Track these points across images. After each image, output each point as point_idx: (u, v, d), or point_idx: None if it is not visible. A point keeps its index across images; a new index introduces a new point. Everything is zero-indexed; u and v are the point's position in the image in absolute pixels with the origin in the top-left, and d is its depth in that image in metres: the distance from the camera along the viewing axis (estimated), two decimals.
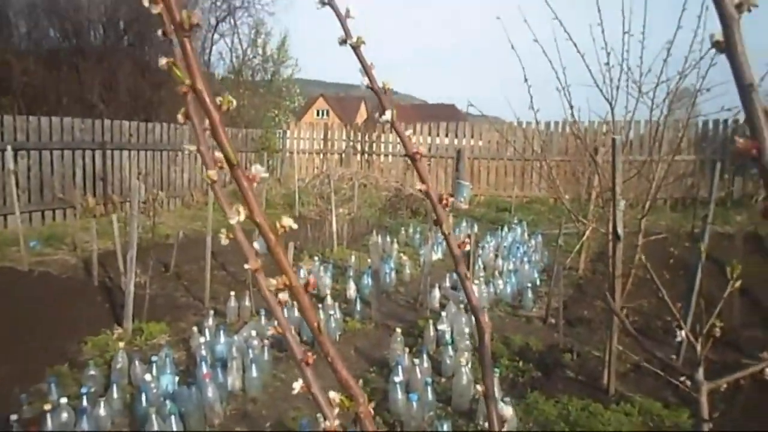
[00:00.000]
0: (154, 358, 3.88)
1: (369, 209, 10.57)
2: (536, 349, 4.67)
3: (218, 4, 21.26)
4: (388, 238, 8.16)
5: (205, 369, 3.74)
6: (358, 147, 15.27)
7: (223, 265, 6.77)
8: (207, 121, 0.65)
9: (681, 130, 4.85)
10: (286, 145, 15.45)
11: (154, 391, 3.61)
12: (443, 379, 4.18)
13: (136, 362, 3.99)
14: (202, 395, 3.54)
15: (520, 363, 4.39)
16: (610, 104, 4.53)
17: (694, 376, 1.20)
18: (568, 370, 4.33)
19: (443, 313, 5.02)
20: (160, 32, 0.70)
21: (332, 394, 0.64)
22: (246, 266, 0.68)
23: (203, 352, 4.06)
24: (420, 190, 0.76)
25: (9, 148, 7.36)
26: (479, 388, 0.78)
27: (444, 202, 0.75)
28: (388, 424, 3.56)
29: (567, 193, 6.25)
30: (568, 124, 6.82)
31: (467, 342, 4.55)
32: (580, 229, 6.04)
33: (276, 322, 0.68)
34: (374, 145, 15.20)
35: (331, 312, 5.03)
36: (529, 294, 5.95)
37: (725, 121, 11.92)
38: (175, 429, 3.19)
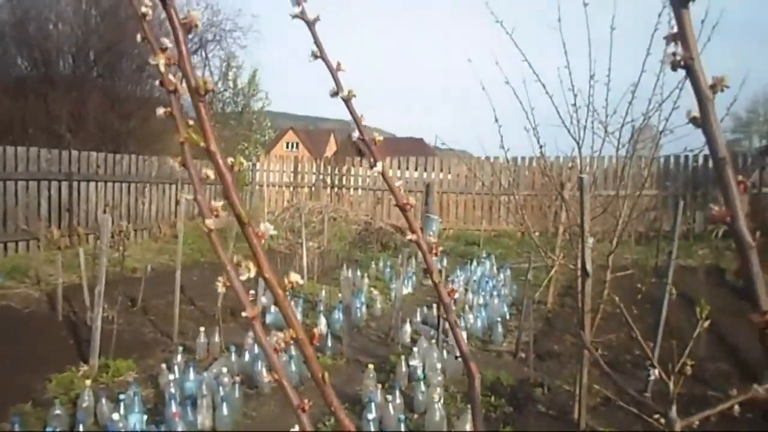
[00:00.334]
0: (121, 396, 3.77)
1: (339, 243, 10.56)
2: (507, 383, 4.69)
3: (190, 36, 21.29)
4: (359, 272, 8.14)
5: (174, 407, 3.67)
6: (328, 180, 15.33)
7: (191, 299, 6.68)
8: (203, 171, 0.68)
9: (645, 168, 5.00)
10: (256, 178, 15.44)
11: (122, 430, 3.52)
12: (416, 416, 4.17)
13: (103, 400, 3.89)
14: None
15: (492, 398, 4.40)
16: (578, 143, 4.65)
17: (668, 414, 1.24)
18: (539, 404, 4.36)
19: (415, 348, 5.02)
20: (158, 82, 0.73)
21: None
22: (243, 314, 0.69)
23: (172, 390, 3.97)
24: (410, 240, 0.79)
25: None
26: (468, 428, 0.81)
27: (434, 251, 0.78)
28: None
29: (534, 227, 6.35)
30: (536, 159, 6.97)
31: (439, 378, 4.55)
32: (548, 263, 6.13)
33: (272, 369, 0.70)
34: (344, 178, 15.29)
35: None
36: (499, 328, 5.97)
37: (686, 157, 12.30)
38: None
